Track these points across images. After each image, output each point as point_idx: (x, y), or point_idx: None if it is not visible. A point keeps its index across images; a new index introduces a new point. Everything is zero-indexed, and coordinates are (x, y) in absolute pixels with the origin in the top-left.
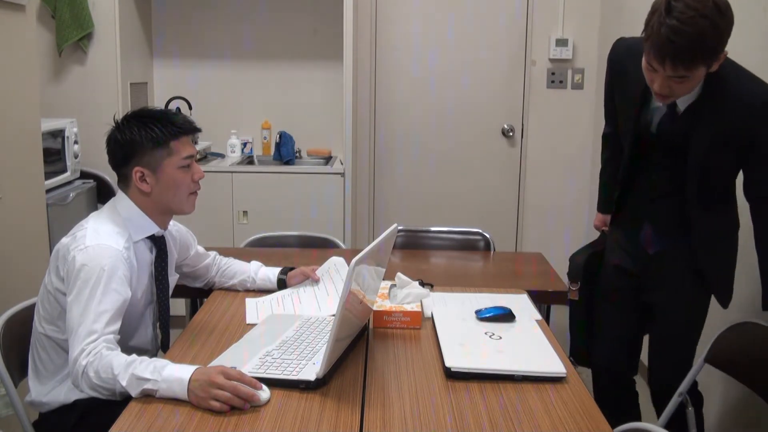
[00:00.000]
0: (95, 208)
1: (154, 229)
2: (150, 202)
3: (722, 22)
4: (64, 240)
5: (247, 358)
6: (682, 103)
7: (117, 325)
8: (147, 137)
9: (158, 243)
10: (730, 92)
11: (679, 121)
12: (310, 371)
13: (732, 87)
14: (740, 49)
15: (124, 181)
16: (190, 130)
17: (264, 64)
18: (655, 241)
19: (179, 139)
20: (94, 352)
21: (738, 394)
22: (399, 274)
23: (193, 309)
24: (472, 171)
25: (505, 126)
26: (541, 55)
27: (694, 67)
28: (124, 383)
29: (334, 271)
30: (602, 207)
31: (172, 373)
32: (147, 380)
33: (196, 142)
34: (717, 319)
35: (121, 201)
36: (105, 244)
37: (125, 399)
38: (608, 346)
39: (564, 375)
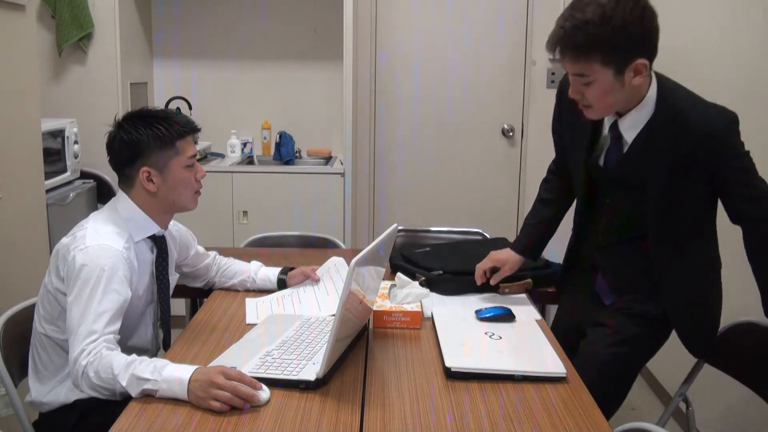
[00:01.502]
0: (95, 208)
1: (154, 229)
2: (155, 201)
3: (622, 15)
4: (64, 240)
5: (247, 358)
6: (627, 132)
7: (117, 325)
8: (153, 137)
9: (159, 243)
10: (686, 121)
11: (630, 154)
12: (310, 371)
13: (688, 115)
14: (740, 49)
15: (127, 182)
16: (192, 129)
17: (264, 64)
18: (613, 292)
19: (184, 138)
20: (94, 352)
21: (738, 394)
22: (399, 274)
23: (193, 309)
24: (472, 171)
25: (505, 126)
26: (541, 55)
27: (584, 58)
28: (124, 383)
29: (334, 271)
30: (523, 248)
31: (172, 373)
32: (147, 380)
33: (196, 142)
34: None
35: (122, 201)
36: (105, 244)
37: (125, 399)
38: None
39: (564, 375)
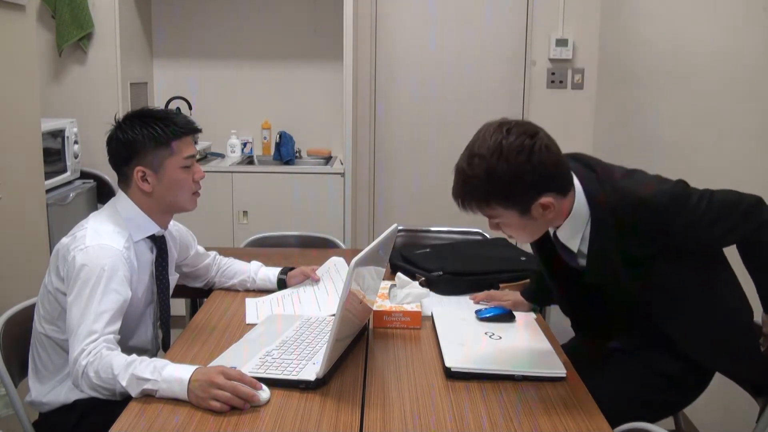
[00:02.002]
0: (95, 208)
1: (154, 229)
2: (151, 201)
3: (507, 166)
4: (64, 240)
5: (247, 358)
6: (569, 242)
7: (117, 325)
8: (149, 137)
9: (158, 243)
10: (623, 207)
11: (590, 261)
12: (310, 371)
13: (623, 200)
14: (740, 49)
15: (125, 181)
16: (191, 130)
17: (264, 64)
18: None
19: (181, 139)
20: (94, 352)
21: (738, 395)
22: (399, 274)
23: (193, 309)
24: None
25: None
26: (541, 55)
27: (484, 206)
28: (124, 383)
29: (334, 271)
30: (532, 296)
31: (172, 373)
32: (147, 380)
33: (196, 143)
34: None
35: (122, 201)
36: (105, 244)
37: (125, 399)
38: None
39: (564, 375)
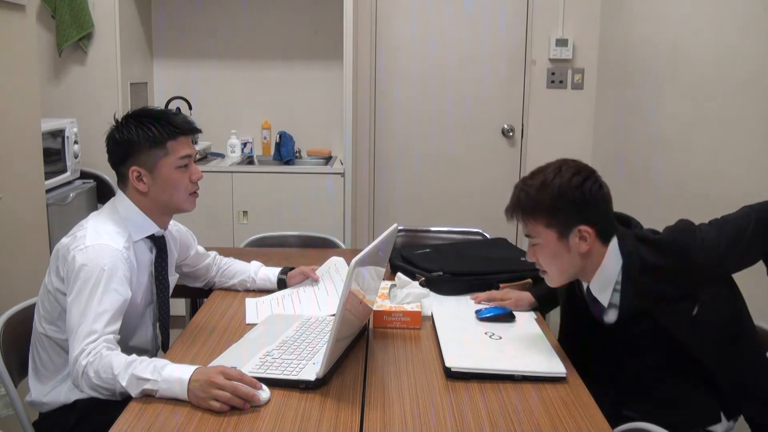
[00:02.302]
0: (95, 208)
1: (153, 229)
2: (148, 201)
3: (559, 183)
4: (64, 240)
5: (247, 358)
6: (600, 295)
7: (117, 325)
8: (144, 137)
9: (158, 243)
10: (654, 260)
11: (624, 299)
12: (310, 371)
13: (651, 255)
14: (741, 49)
15: (123, 181)
16: (188, 130)
17: (264, 64)
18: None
19: (176, 139)
20: (94, 352)
21: None
22: (399, 274)
23: (193, 309)
24: (472, 171)
25: (505, 126)
26: (541, 55)
27: (530, 219)
28: (123, 383)
29: (334, 271)
30: (540, 296)
31: (172, 373)
32: (147, 380)
33: (195, 143)
34: None
35: (121, 201)
36: (105, 244)
37: (125, 399)
38: None
39: (564, 375)
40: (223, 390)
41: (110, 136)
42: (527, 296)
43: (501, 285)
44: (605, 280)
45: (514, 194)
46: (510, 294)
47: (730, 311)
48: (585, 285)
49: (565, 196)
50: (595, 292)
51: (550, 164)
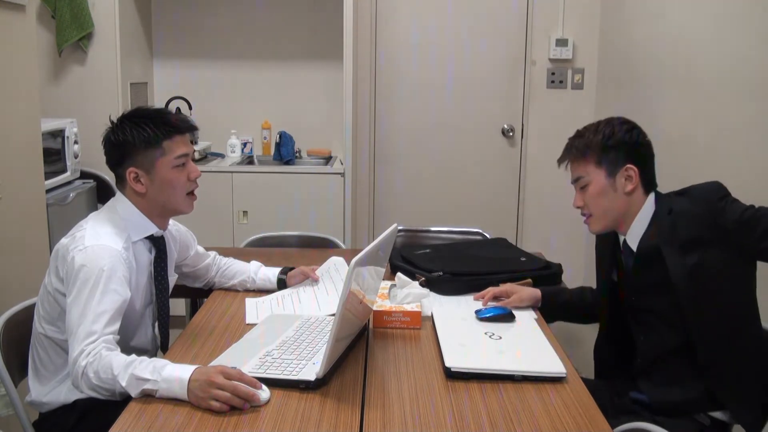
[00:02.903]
0: (95, 208)
1: (153, 230)
2: (146, 202)
3: (612, 128)
4: (64, 240)
5: (247, 358)
6: (633, 243)
7: (116, 326)
8: (139, 137)
9: (157, 243)
10: (680, 205)
11: (640, 260)
12: (310, 371)
13: (679, 201)
14: (741, 49)
15: (121, 182)
16: (184, 129)
17: (264, 64)
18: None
19: (172, 138)
20: (94, 352)
21: None
22: (399, 273)
23: (193, 309)
24: (472, 171)
25: (505, 126)
26: (541, 55)
27: (581, 159)
28: (123, 383)
29: (334, 270)
30: (546, 294)
31: (171, 373)
32: (147, 380)
33: (195, 142)
34: None
35: (120, 201)
36: (104, 244)
37: (125, 399)
38: None
39: (564, 375)
40: (222, 390)
41: (106, 138)
42: (532, 291)
43: (501, 285)
44: (640, 230)
45: (567, 144)
46: (515, 288)
47: (731, 287)
48: (621, 239)
49: (616, 136)
50: (630, 243)
51: (601, 119)
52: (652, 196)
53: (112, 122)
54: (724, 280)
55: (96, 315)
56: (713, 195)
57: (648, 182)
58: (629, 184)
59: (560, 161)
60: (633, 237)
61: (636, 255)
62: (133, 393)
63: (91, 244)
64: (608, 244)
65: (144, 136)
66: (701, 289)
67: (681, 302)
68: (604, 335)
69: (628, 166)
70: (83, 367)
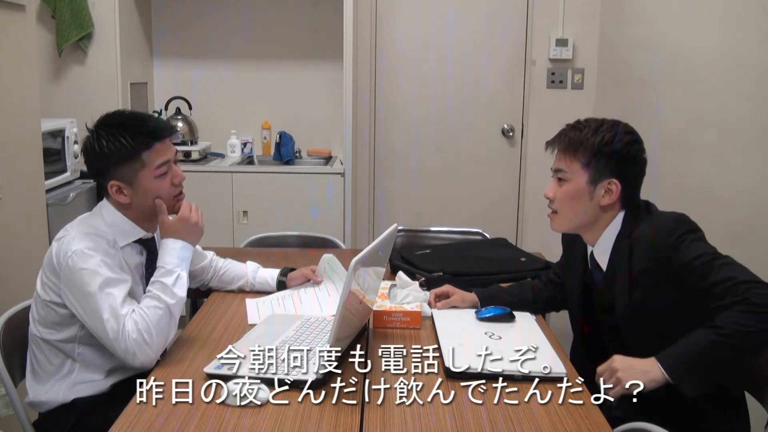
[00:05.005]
0: None
1: (140, 234)
2: (132, 211)
3: (612, 135)
4: (54, 245)
5: (248, 357)
6: (600, 258)
7: (133, 305)
8: (117, 150)
9: (148, 246)
10: (641, 231)
11: (606, 279)
12: (310, 371)
13: (642, 224)
14: (741, 49)
15: (105, 192)
16: (162, 135)
17: (264, 64)
18: None
19: (151, 147)
20: (131, 328)
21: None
22: (399, 273)
23: (193, 309)
24: (472, 171)
25: (505, 126)
26: (541, 55)
27: (570, 153)
28: (173, 301)
29: (330, 270)
30: (483, 296)
31: (170, 260)
32: (172, 272)
33: (195, 142)
34: None
35: (105, 207)
36: (90, 245)
37: (125, 399)
38: None
39: (564, 375)
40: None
41: (84, 148)
42: (471, 297)
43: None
44: (607, 246)
45: (562, 130)
46: (455, 290)
47: (673, 325)
48: (589, 250)
49: (614, 144)
50: (598, 256)
51: (606, 119)
52: (622, 214)
53: (89, 130)
54: (665, 318)
55: (111, 308)
56: (673, 230)
57: (626, 199)
58: (607, 198)
59: (548, 144)
60: (600, 252)
61: (605, 276)
62: (181, 293)
63: (78, 247)
64: (578, 247)
65: (121, 148)
66: (641, 322)
67: (623, 331)
68: (578, 341)
69: (613, 180)
70: (133, 341)
